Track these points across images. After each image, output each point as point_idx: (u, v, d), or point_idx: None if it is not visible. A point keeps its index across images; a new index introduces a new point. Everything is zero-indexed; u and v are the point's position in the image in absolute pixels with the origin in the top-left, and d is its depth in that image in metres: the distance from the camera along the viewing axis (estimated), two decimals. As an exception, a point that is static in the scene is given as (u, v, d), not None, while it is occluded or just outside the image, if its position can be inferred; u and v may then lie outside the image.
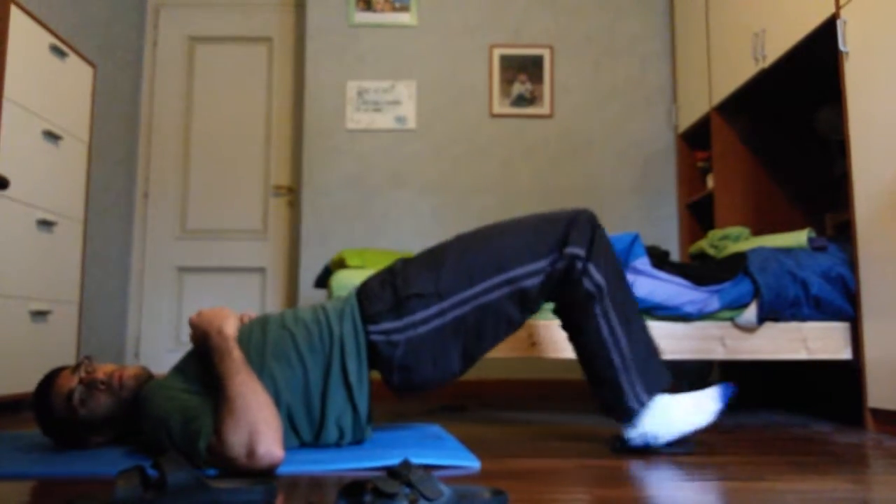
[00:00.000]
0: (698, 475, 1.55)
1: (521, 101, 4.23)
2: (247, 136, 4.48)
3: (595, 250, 1.82)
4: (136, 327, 4.35)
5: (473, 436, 2.15)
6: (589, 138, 4.23)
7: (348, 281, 2.68)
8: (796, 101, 3.46)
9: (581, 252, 1.80)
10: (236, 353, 1.59)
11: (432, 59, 4.26)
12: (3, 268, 2.70)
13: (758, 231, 3.32)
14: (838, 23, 2.51)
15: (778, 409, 3.04)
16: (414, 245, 4.03)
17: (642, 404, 1.81)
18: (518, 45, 4.26)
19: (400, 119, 4.21)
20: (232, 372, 1.54)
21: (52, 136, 3.01)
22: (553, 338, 2.57)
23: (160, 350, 4.29)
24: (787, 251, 2.67)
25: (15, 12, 2.75)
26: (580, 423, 2.53)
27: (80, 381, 1.72)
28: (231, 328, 1.66)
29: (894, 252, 2.26)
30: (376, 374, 1.81)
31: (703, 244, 3.19)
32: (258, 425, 1.44)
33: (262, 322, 1.79)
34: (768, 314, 2.55)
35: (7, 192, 2.69)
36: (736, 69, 3.38)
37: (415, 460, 1.23)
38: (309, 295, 4.00)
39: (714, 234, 3.21)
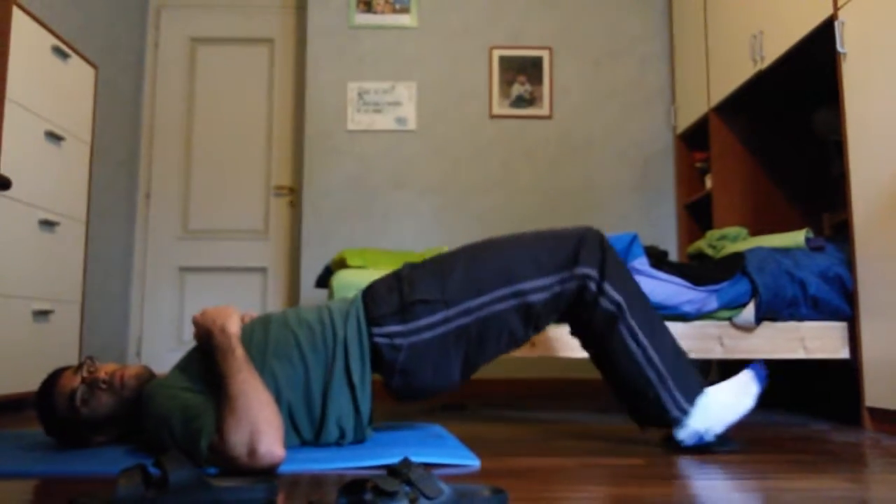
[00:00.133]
0: (698, 474, 1.56)
1: (520, 102, 4.25)
2: (248, 136, 4.50)
3: (608, 268, 1.82)
4: (137, 327, 4.36)
5: (473, 435, 2.15)
6: (588, 139, 4.25)
7: (349, 281, 2.69)
8: (794, 102, 3.47)
9: (593, 272, 1.81)
10: (239, 352, 1.60)
11: (432, 60, 4.28)
12: (6, 268, 2.71)
13: (756, 231, 3.32)
14: (836, 24, 2.52)
15: (776, 408, 3.05)
16: (414, 245, 4.04)
17: (686, 412, 1.82)
18: (517, 47, 4.28)
19: (400, 120, 4.22)
20: (234, 370, 1.55)
21: (54, 137, 3.02)
22: (553, 337, 2.58)
23: (162, 349, 4.31)
24: (785, 251, 2.68)
25: (17, 13, 2.76)
26: (580, 422, 2.54)
27: (83, 381, 1.73)
28: (234, 326, 1.66)
29: (892, 252, 2.27)
30: (377, 376, 1.82)
31: (702, 244, 3.20)
32: (259, 424, 1.45)
33: (264, 321, 1.80)
34: (766, 314, 2.56)
35: (9, 193, 2.70)
36: (734, 70, 3.39)
37: (415, 459, 1.24)
38: (310, 295, 4.01)
39: (712, 234, 3.22)
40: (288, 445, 1.64)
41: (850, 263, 2.53)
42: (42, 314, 2.93)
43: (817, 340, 2.58)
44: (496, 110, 4.24)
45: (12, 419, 2.62)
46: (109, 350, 4.05)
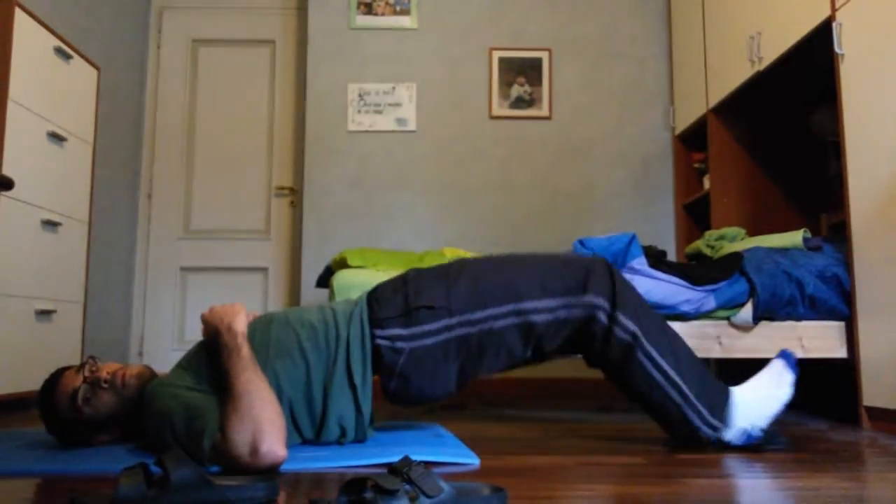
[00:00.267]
0: (697, 472, 1.57)
1: (520, 102, 4.26)
2: (249, 137, 4.51)
3: (619, 297, 1.82)
4: (139, 326, 4.38)
5: (473, 434, 2.16)
6: (587, 139, 4.26)
7: (349, 280, 2.70)
8: (792, 103, 3.48)
9: (603, 302, 1.81)
10: (245, 351, 1.60)
11: (432, 61, 4.29)
12: (9, 268, 2.73)
13: (754, 231, 3.33)
14: (834, 25, 2.53)
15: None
16: (414, 245, 4.05)
17: (715, 428, 1.82)
18: (517, 48, 4.29)
19: (400, 121, 4.23)
20: (239, 369, 1.55)
21: (56, 138, 3.04)
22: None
23: (164, 349, 4.32)
24: (783, 251, 2.69)
25: (19, 15, 2.77)
26: (580, 421, 2.55)
27: (85, 380, 1.74)
28: (241, 325, 1.66)
29: (888, 252, 2.28)
30: (375, 377, 1.83)
31: (700, 244, 3.21)
32: (262, 424, 1.46)
33: (267, 320, 1.81)
34: (764, 313, 2.57)
35: (12, 193, 2.71)
36: (732, 71, 3.40)
37: (415, 457, 1.25)
38: (311, 295, 4.02)
39: (710, 235, 3.22)
40: (289, 444, 1.64)
41: (847, 263, 2.54)
42: (44, 314, 2.94)
43: (815, 340, 2.59)
44: (496, 111, 4.25)
45: (15, 418, 2.63)
46: (112, 350, 4.07)
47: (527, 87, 4.27)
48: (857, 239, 2.45)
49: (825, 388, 3.13)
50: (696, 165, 4.04)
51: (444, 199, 4.19)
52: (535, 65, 4.27)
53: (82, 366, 1.78)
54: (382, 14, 4.30)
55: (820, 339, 2.58)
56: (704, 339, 2.61)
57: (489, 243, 4.09)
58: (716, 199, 3.60)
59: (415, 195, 4.20)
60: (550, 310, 1.80)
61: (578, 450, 1.88)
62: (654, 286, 2.58)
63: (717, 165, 3.62)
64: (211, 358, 1.69)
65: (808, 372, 3.21)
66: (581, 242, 2.69)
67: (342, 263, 2.90)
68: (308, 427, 1.77)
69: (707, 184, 3.74)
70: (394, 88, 4.25)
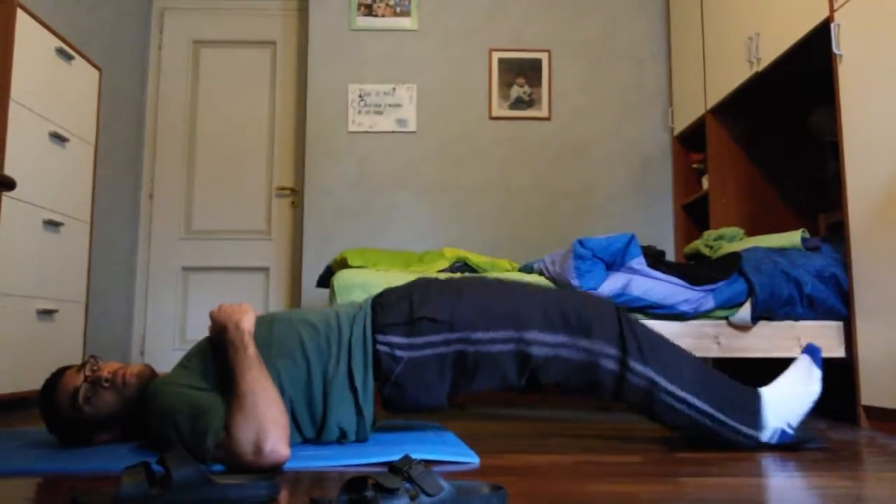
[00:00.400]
0: (694, 471, 1.58)
1: (519, 103, 4.27)
2: (250, 137, 4.52)
3: (629, 343, 1.79)
4: (141, 326, 4.39)
5: (473, 433, 2.16)
6: (586, 140, 4.27)
7: (350, 280, 2.72)
8: (790, 104, 3.49)
9: (611, 350, 1.79)
10: (251, 350, 1.61)
11: (432, 62, 4.30)
12: (11, 267, 2.74)
13: (752, 231, 3.34)
14: (832, 26, 2.54)
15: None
16: (414, 245, 4.06)
17: (752, 438, 1.82)
18: (517, 49, 4.30)
19: (401, 121, 4.24)
20: (245, 368, 1.56)
21: (58, 138, 3.05)
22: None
23: (165, 349, 4.33)
24: (781, 251, 2.70)
25: (21, 16, 2.78)
26: (579, 420, 2.55)
27: (86, 380, 1.74)
28: (249, 323, 1.67)
29: (887, 252, 2.29)
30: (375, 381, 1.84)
31: (699, 244, 3.22)
32: (266, 423, 1.47)
33: (269, 320, 1.82)
34: (762, 313, 2.58)
35: (14, 193, 2.71)
36: (731, 72, 3.41)
37: (415, 456, 1.26)
38: (311, 295, 4.03)
39: (709, 235, 3.23)
40: (291, 443, 1.65)
41: (845, 263, 2.54)
42: (46, 313, 2.95)
43: (813, 340, 2.58)
44: (495, 112, 4.26)
45: (17, 417, 2.64)
46: (113, 349, 4.07)
47: (526, 88, 4.28)
48: (855, 239, 2.46)
49: (823, 388, 3.14)
50: (694, 166, 4.05)
51: (444, 199, 4.20)
52: (535, 66, 4.28)
53: (83, 365, 1.78)
54: (383, 15, 4.31)
55: (818, 338, 2.59)
56: (703, 338, 2.62)
57: (489, 244, 4.10)
58: (714, 200, 3.61)
59: (415, 196, 4.21)
60: (550, 345, 1.79)
61: (577, 449, 1.88)
62: (652, 286, 2.59)
63: (715, 166, 3.63)
64: (217, 355, 1.69)
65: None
66: (580, 242, 2.70)
67: (343, 263, 2.91)
68: (309, 426, 1.77)
69: (706, 184, 3.75)
70: (394, 89, 4.26)
